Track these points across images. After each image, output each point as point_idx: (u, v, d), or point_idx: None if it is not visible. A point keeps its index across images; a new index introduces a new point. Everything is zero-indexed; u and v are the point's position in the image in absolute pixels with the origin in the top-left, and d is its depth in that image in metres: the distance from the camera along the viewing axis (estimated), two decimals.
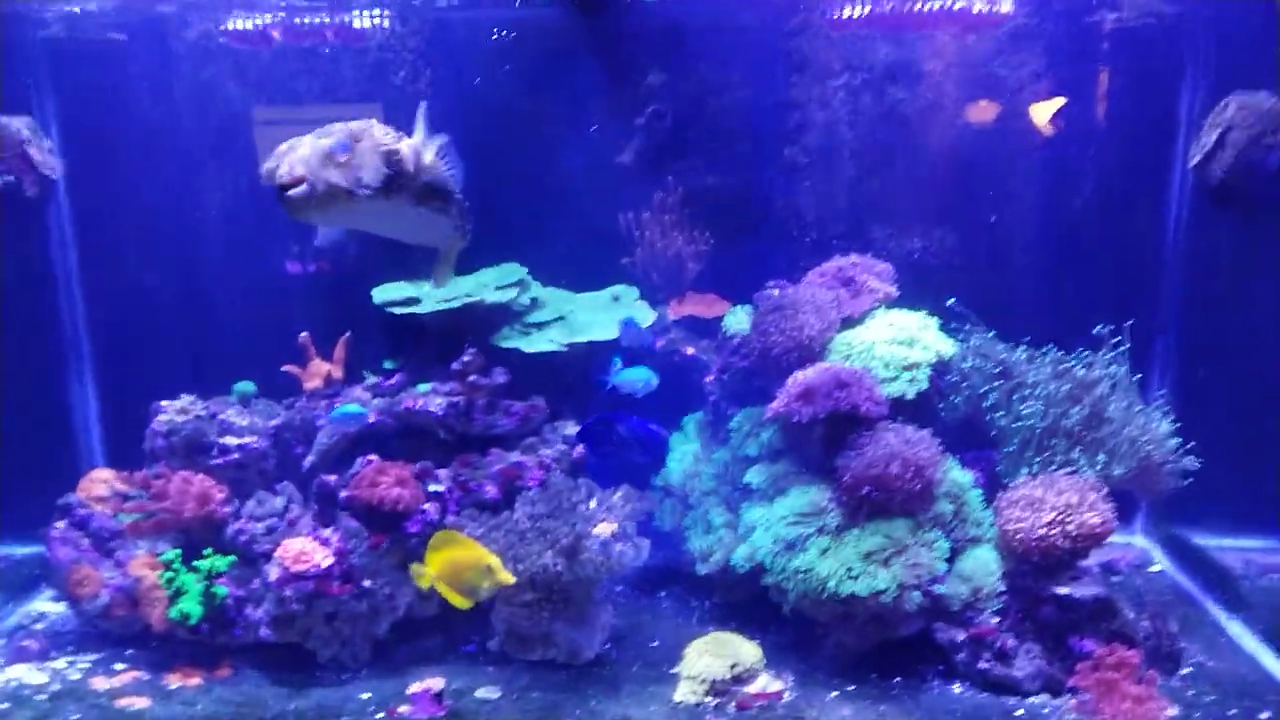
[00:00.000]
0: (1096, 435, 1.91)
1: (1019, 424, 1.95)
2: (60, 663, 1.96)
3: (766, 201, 2.32)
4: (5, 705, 1.80)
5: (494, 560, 1.59)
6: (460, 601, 1.61)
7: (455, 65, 2.34)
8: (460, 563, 1.59)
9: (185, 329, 2.40)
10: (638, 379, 1.99)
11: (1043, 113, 2.20)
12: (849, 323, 2.04)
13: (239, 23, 2.21)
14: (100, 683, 1.87)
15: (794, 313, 1.97)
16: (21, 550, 2.44)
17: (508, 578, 1.59)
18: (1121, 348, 1.97)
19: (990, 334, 2.05)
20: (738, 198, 2.33)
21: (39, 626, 2.12)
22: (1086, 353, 1.99)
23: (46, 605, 2.22)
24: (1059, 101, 2.19)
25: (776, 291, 2.13)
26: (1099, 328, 1.99)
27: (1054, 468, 1.90)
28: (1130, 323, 1.97)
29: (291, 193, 1.11)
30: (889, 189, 2.22)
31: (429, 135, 1.32)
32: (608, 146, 2.37)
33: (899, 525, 1.79)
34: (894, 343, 1.93)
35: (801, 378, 1.88)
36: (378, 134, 1.21)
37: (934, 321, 2.03)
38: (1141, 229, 2.35)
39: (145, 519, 1.93)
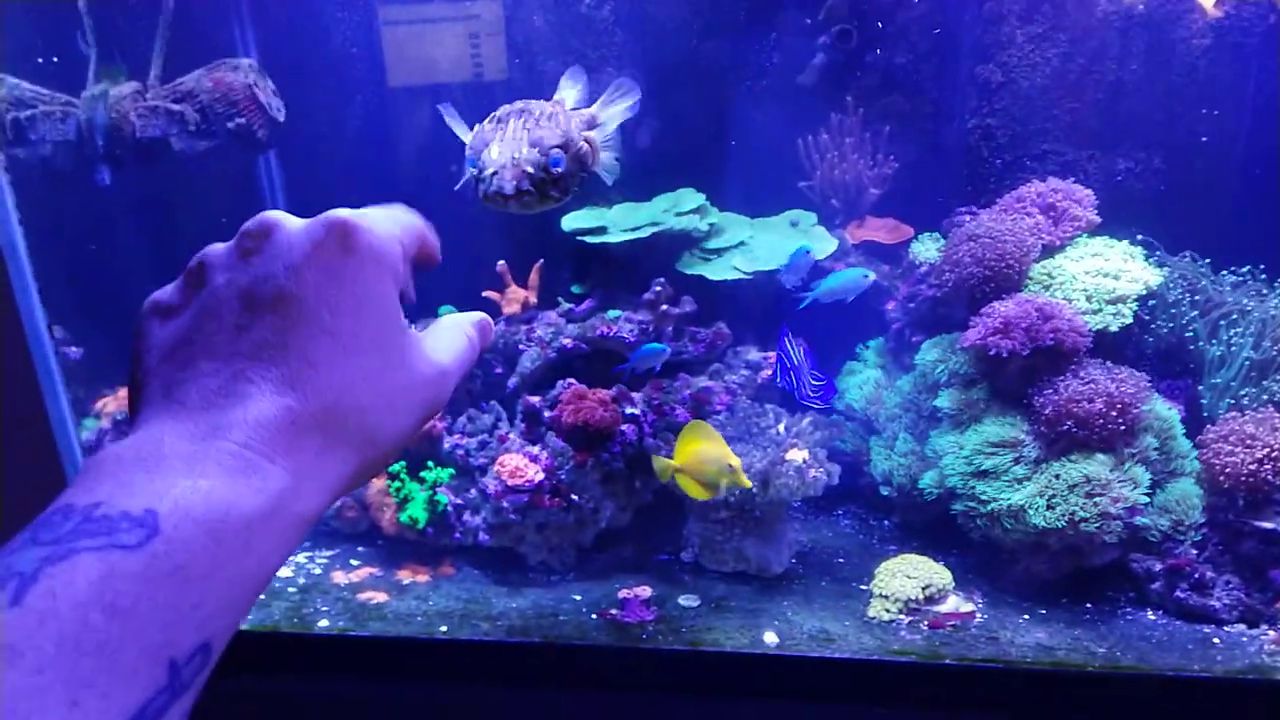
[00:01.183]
0: None
1: (1228, 355, 1.92)
2: (301, 558, 2.21)
3: (956, 122, 2.27)
4: (263, 597, 2.06)
5: (736, 460, 1.68)
6: (700, 493, 1.72)
7: None
8: (706, 455, 1.69)
9: None
10: (849, 281, 1.98)
11: None
12: (1048, 251, 2.02)
13: None
14: (340, 577, 2.11)
15: (990, 241, 1.97)
16: None
17: (745, 481, 1.69)
18: None
19: (1204, 262, 2.00)
20: (925, 118, 2.30)
21: None
22: None
23: None
24: None
25: (969, 218, 2.12)
26: None
27: (1263, 401, 1.87)
28: None
29: (514, 205, 1.16)
30: (1090, 108, 2.14)
31: (605, 118, 1.32)
32: (788, 67, 2.36)
33: (1100, 460, 1.81)
34: (1098, 274, 1.91)
35: (1000, 309, 1.89)
36: (575, 135, 1.23)
37: (1139, 251, 1.99)
38: None
39: None
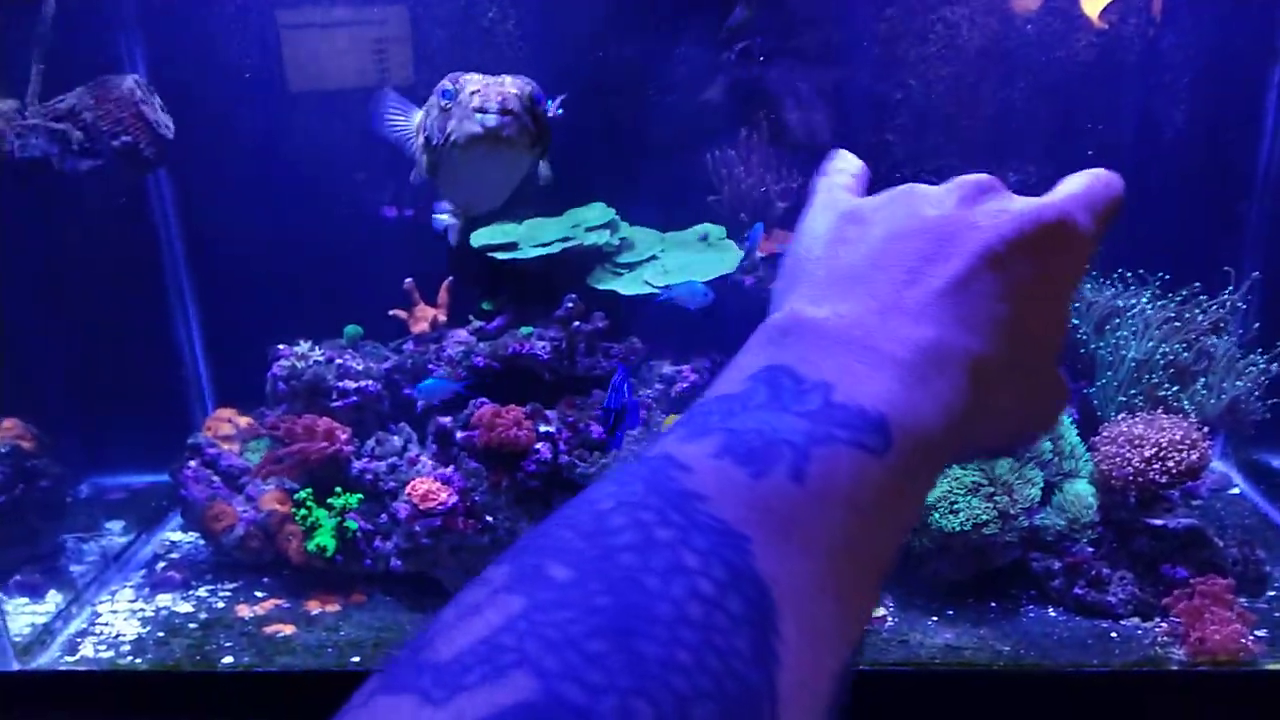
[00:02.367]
0: (1194, 371, 1.98)
1: (1115, 357, 2.02)
2: (202, 591, 2.14)
3: (859, 138, 2.35)
4: (162, 634, 1.99)
5: None
6: None
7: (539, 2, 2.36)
8: None
9: (284, 272, 2.49)
10: (693, 293, 2.04)
11: (1092, 3, 2.19)
12: None
13: None
14: (244, 610, 2.05)
15: None
16: (142, 480, 2.62)
17: None
18: (1226, 285, 2.03)
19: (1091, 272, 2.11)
20: (828, 134, 2.36)
21: (174, 556, 2.30)
22: (1188, 288, 2.05)
23: (176, 535, 2.39)
24: None
25: None
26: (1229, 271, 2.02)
27: (1149, 402, 1.98)
28: (1226, 264, 2.02)
29: (494, 121, 1.06)
30: (984, 124, 2.24)
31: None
32: (694, 82, 2.40)
33: (999, 463, 1.89)
34: None
35: None
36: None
37: None
38: (1233, 162, 2.36)
39: (277, 460, 2.07)
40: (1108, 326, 2.05)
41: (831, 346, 0.32)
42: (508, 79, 1.07)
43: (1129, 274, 2.15)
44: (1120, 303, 2.06)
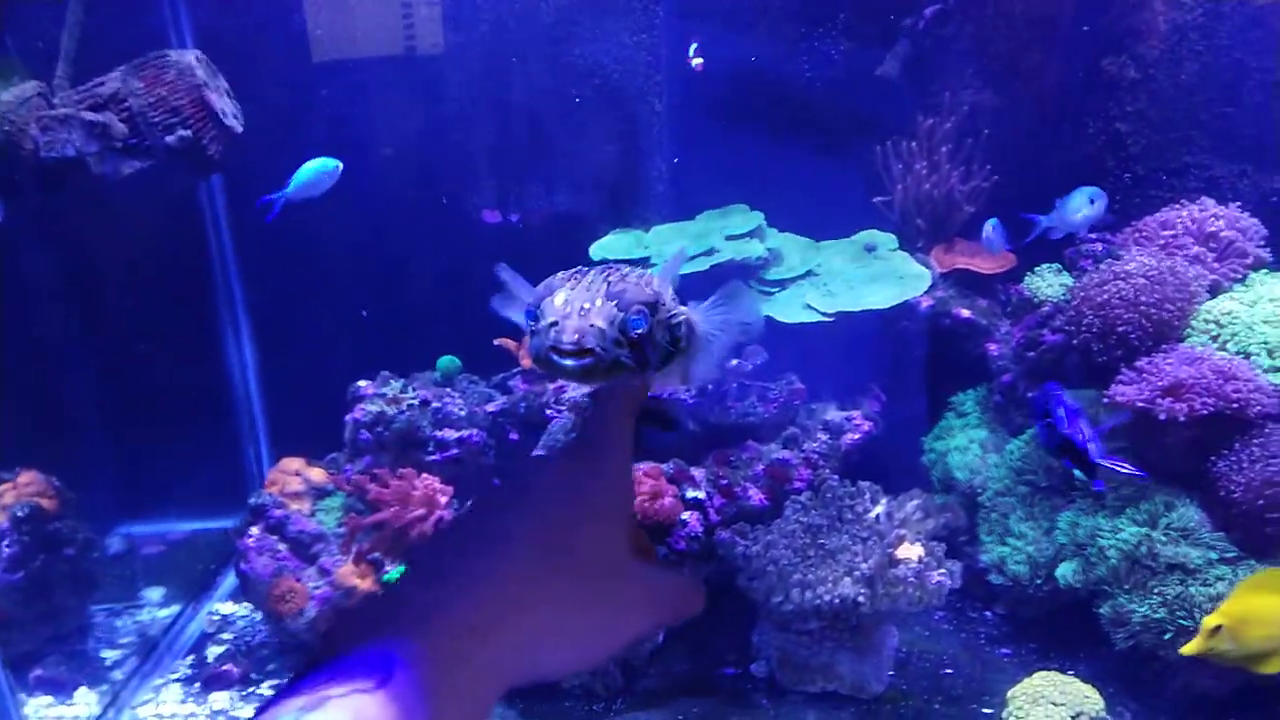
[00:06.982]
0: None
1: None
2: (265, 688, 1.83)
3: (1074, 127, 1.97)
4: None
5: None
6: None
7: None
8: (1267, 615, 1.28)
9: (356, 287, 2.16)
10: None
11: None
12: (1211, 292, 1.74)
13: None
14: None
15: (1146, 282, 1.67)
16: (182, 528, 2.31)
17: None
18: None
19: None
20: (1035, 122, 1.99)
21: (227, 636, 1.99)
22: None
23: (227, 606, 2.09)
24: None
25: (1101, 247, 1.82)
26: None
27: None
28: None
29: (571, 363, 0.86)
30: (1248, 114, 1.86)
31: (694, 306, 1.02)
32: (863, 55, 2.03)
33: None
34: None
35: (1166, 366, 1.60)
36: (666, 300, 0.94)
37: None
38: None
39: (362, 535, 1.75)
40: None
41: None
42: (596, 306, 0.81)
43: None
44: None
